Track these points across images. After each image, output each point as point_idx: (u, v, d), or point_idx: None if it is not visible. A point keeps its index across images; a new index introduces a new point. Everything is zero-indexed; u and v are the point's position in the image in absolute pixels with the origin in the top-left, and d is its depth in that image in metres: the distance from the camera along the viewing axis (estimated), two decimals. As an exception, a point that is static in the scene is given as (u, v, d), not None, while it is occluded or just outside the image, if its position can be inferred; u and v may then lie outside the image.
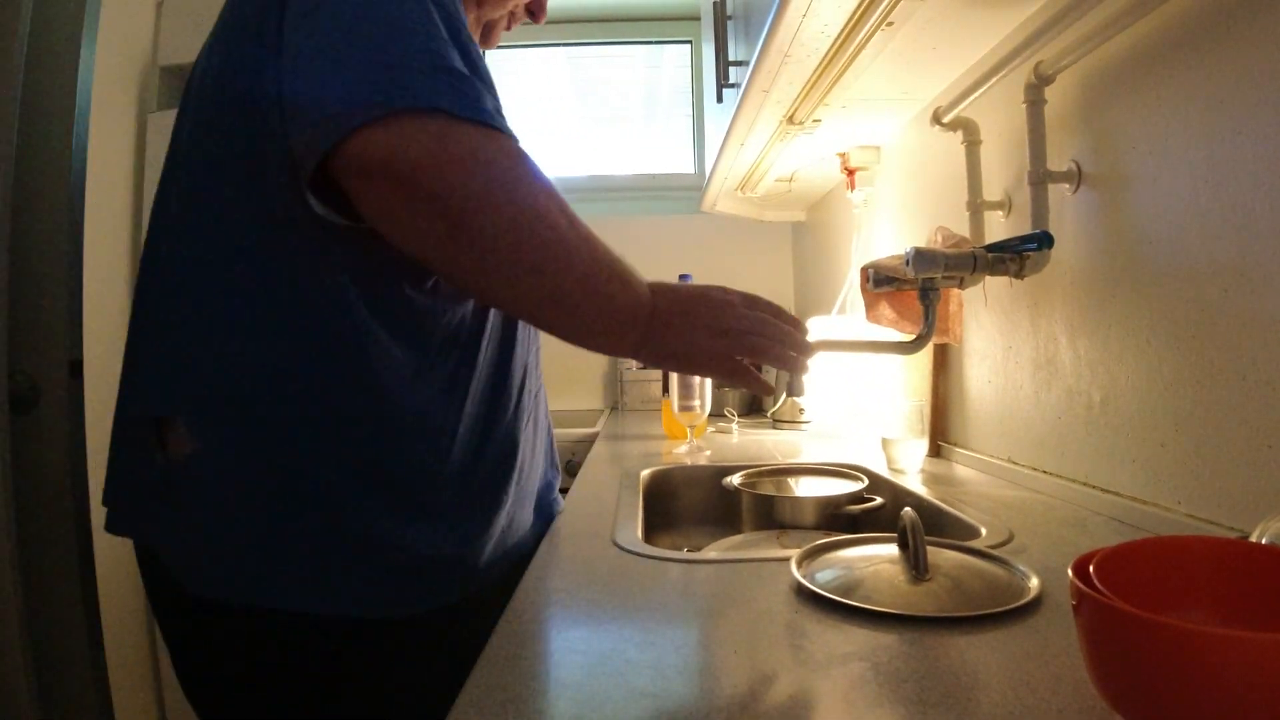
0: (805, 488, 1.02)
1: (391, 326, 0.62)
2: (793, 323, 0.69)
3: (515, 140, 0.56)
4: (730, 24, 1.38)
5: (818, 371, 1.12)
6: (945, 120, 1.06)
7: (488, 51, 0.84)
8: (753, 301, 0.67)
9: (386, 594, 0.61)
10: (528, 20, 0.85)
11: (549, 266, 0.55)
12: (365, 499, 0.60)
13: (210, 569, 0.59)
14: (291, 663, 0.60)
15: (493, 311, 0.70)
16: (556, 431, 0.92)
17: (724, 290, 0.67)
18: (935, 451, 1.20)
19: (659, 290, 0.63)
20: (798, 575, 0.57)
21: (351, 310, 0.60)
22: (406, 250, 0.57)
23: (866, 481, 1.00)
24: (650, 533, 0.84)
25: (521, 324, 0.74)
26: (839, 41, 0.99)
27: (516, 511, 0.73)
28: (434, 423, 0.64)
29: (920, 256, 0.89)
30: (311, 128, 0.52)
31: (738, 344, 0.65)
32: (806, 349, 0.69)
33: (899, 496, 0.99)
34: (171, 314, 0.62)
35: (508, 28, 0.83)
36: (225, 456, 0.59)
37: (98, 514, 1.47)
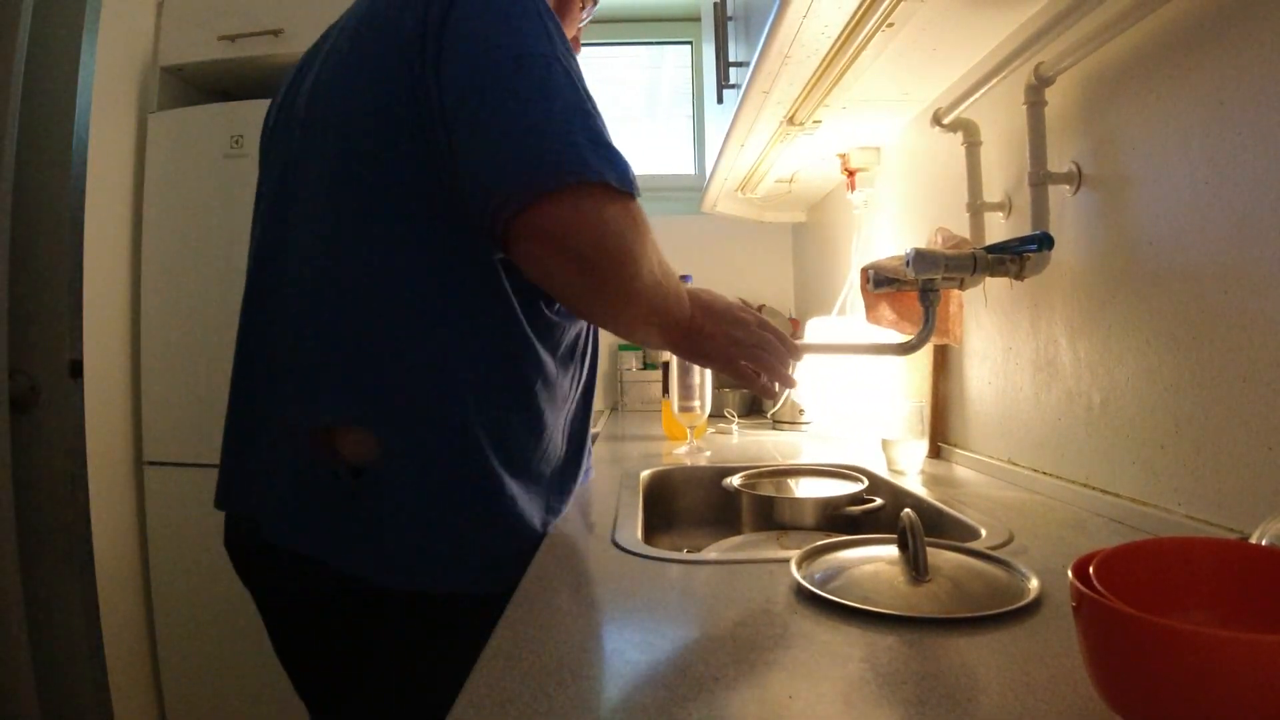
0: (805, 489, 1.02)
1: (541, 339, 0.72)
2: (790, 347, 0.83)
3: (637, 196, 0.65)
4: (731, 25, 1.38)
5: (819, 372, 1.12)
6: (946, 121, 1.06)
7: None
8: (763, 324, 0.82)
9: (519, 570, 0.68)
10: None
11: (645, 301, 0.67)
12: (511, 489, 0.70)
13: (392, 562, 0.66)
14: (452, 639, 0.64)
15: (591, 326, 0.84)
16: None
17: (745, 310, 0.81)
18: (935, 453, 1.20)
19: (696, 302, 0.77)
20: (797, 576, 0.57)
21: (516, 324, 0.70)
22: (543, 287, 0.68)
23: (866, 482, 1.00)
24: (650, 533, 0.84)
25: (600, 334, 0.88)
26: (839, 42, 0.99)
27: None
28: (555, 418, 0.76)
29: (920, 257, 0.89)
30: (494, 194, 0.60)
31: (745, 353, 0.80)
32: (791, 369, 0.84)
33: (899, 497, 0.99)
34: (345, 328, 0.67)
35: None
36: (410, 458, 0.66)
37: (98, 514, 1.47)
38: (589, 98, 0.65)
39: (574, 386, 0.80)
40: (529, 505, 0.72)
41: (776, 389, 0.85)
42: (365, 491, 0.66)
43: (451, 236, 0.66)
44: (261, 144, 0.86)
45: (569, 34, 0.89)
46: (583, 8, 0.94)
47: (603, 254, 0.61)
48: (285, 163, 0.75)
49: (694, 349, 0.78)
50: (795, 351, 0.84)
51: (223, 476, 0.78)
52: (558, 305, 0.75)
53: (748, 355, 0.80)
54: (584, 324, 0.81)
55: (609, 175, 0.60)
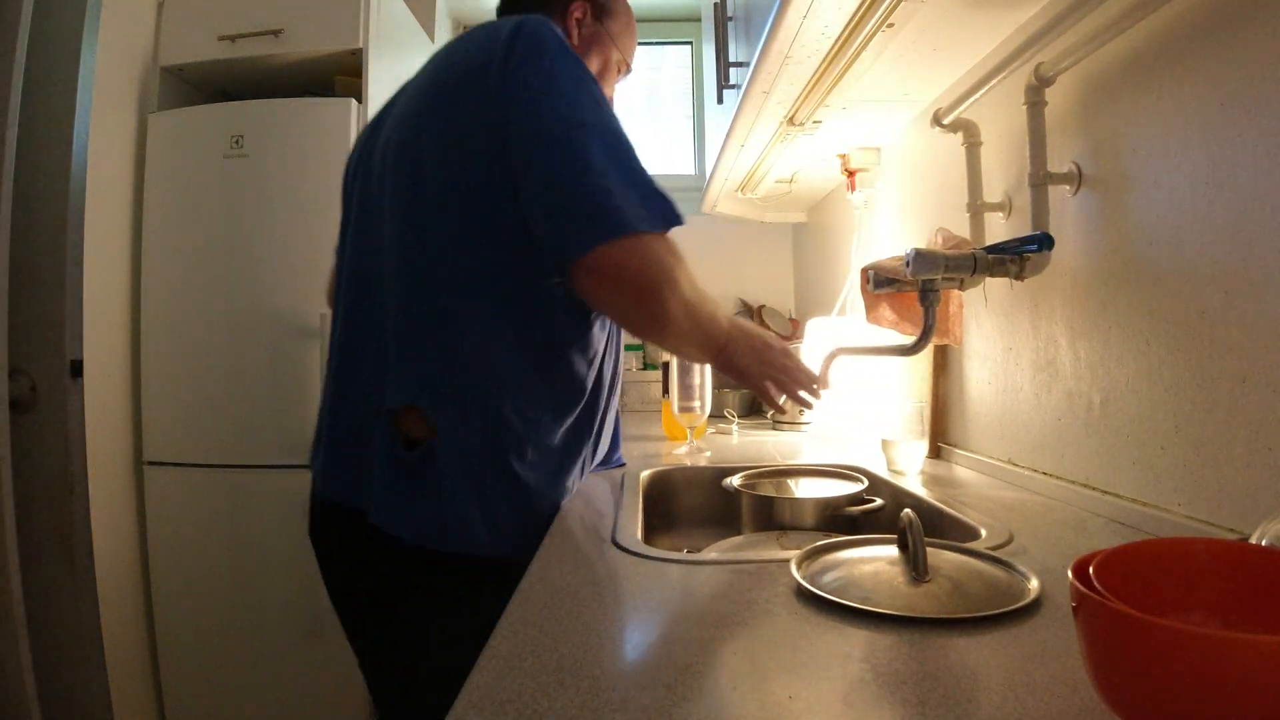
0: (805, 489, 1.02)
1: (578, 349, 0.87)
2: (809, 376, 0.98)
3: (677, 224, 0.79)
4: (731, 25, 1.39)
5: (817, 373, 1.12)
6: (946, 121, 1.06)
7: None
8: (788, 353, 0.96)
9: (539, 539, 0.79)
10: None
11: (682, 318, 0.80)
12: (532, 470, 0.83)
13: (434, 523, 0.78)
14: (483, 601, 0.68)
15: (609, 337, 0.95)
16: None
17: (778, 342, 0.96)
18: (935, 453, 1.20)
19: (736, 326, 0.91)
20: (798, 576, 0.57)
21: (558, 333, 0.84)
22: (596, 309, 0.85)
23: (866, 483, 1.00)
24: (650, 534, 0.84)
25: (618, 342, 1.01)
26: (839, 43, 0.99)
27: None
28: (576, 415, 0.89)
29: (920, 258, 0.89)
30: (565, 244, 0.75)
31: (770, 375, 0.94)
32: (812, 394, 0.99)
33: (899, 498, 0.99)
34: (416, 336, 0.81)
35: None
36: (452, 436, 0.79)
37: (98, 514, 1.47)
38: (629, 144, 0.79)
39: (598, 387, 0.92)
40: (548, 485, 0.86)
41: (786, 404, 1.00)
42: (416, 462, 0.79)
43: (503, 271, 0.81)
44: (344, 188, 1.01)
45: (606, 94, 1.06)
46: (619, 73, 1.11)
47: (646, 281, 0.76)
48: (368, 206, 0.91)
49: (729, 365, 0.92)
50: (812, 378, 0.99)
51: (327, 464, 0.90)
52: (605, 321, 0.90)
53: (772, 377, 0.95)
54: (605, 337, 0.93)
55: (655, 224, 0.76)
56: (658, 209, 0.77)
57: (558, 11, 1.03)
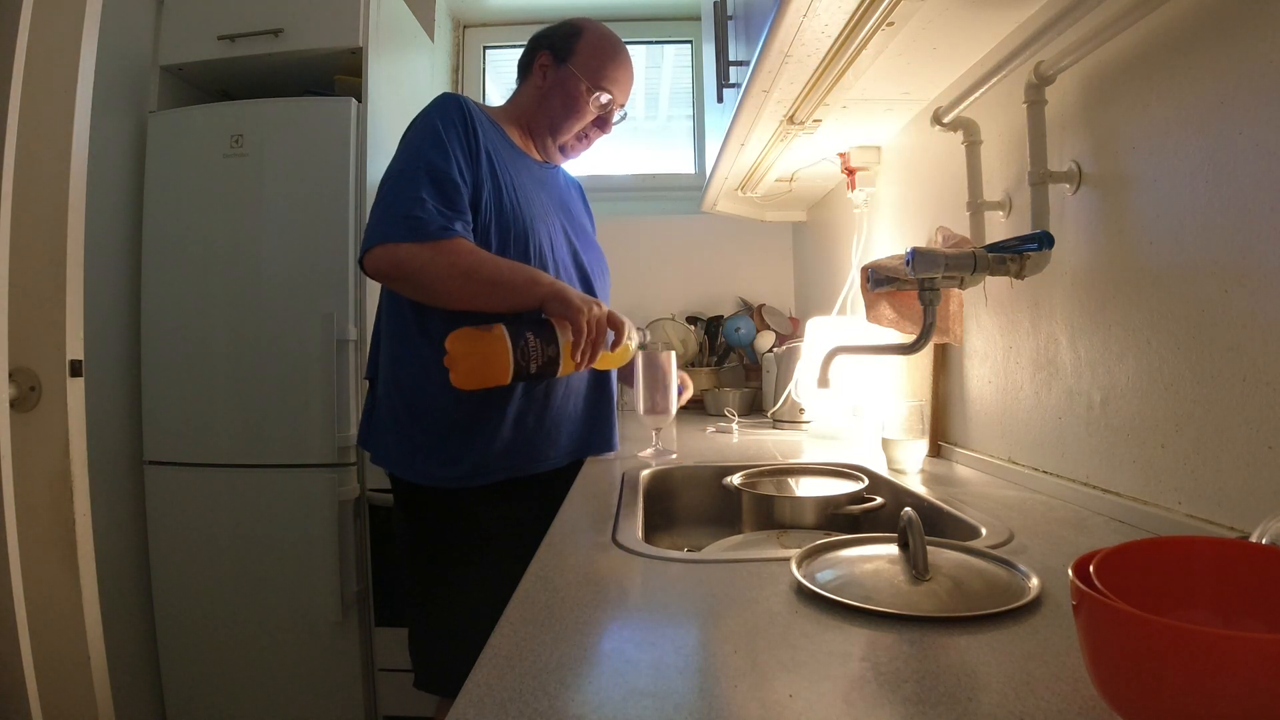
0: (805, 488, 1.02)
1: (430, 330, 1.12)
2: (609, 327, 1.10)
3: (442, 241, 1.02)
4: (731, 24, 1.38)
5: (816, 372, 1.12)
6: (946, 120, 1.06)
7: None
8: (606, 313, 1.09)
9: (457, 474, 1.11)
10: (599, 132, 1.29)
11: (459, 281, 1.04)
12: (417, 424, 1.12)
13: (386, 457, 1.16)
14: (422, 509, 1.16)
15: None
16: None
17: (598, 304, 1.08)
18: (935, 452, 1.20)
19: (553, 290, 1.06)
20: (798, 575, 0.57)
21: (417, 331, 1.13)
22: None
23: (867, 481, 1.00)
24: (650, 533, 0.84)
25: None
26: (839, 42, 0.99)
27: (516, 440, 1.15)
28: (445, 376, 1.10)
29: (920, 257, 0.89)
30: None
31: (581, 316, 1.05)
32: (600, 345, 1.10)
33: (899, 496, 0.99)
34: (379, 333, 1.21)
35: (585, 141, 1.28)
36: (385, 402, 1.16)
37: (98, 514, 1.47)
38: (410, 177, 1.04)
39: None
40: (432, 436, 1.12)
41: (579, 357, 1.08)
42: (370, 409, 1.20)
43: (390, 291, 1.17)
44: None
45: (587, 118, 1.23)
46: (597, 99, 1.20)
47: (400, 276, 1.04)
48: None
49: (557, 296, 1.05)
50: (607, 330, 1.10)
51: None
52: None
53: (591, 318, 1.06)
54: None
55: (397, 238, 1.01)
56: (401, 226, 1.01)
57: (534, 65, 1.23)
